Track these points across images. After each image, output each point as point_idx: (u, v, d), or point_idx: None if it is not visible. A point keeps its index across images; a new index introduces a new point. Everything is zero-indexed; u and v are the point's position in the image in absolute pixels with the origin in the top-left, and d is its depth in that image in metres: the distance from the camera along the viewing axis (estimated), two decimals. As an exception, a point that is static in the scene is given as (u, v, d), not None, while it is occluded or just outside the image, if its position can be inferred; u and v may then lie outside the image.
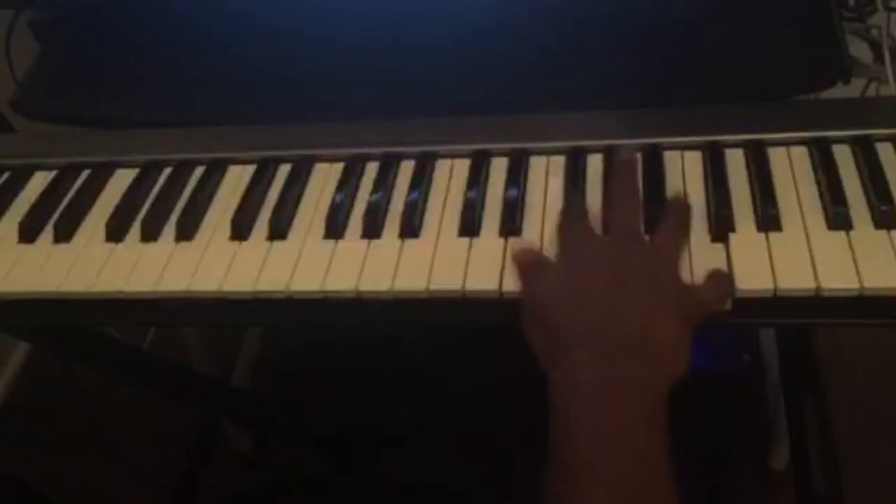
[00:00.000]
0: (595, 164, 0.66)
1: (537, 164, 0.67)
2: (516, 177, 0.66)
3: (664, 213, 0.58)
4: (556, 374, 0.50)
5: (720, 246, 0.59)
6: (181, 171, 0.72)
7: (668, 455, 0.47)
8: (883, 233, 0.58)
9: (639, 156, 0.64)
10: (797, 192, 0.61)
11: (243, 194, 0.69)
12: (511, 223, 0.62)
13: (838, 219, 0.58)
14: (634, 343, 0.50)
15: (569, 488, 0.47)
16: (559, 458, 0.48)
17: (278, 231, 0.66)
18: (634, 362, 0.49)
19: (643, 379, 0.49)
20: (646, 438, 0.47)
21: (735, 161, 0.64)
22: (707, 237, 0.60)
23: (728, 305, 0.55)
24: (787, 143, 0.65)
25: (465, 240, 0.62)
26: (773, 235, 0.58)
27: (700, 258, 0.58)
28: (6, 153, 0.77)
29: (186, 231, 0.67)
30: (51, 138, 0.80)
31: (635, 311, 0.51)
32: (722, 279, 0.56)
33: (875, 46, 0.76)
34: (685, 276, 0.56)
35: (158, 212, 0.69)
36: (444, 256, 0.61)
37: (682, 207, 0.59)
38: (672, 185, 0.63)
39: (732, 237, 0.59)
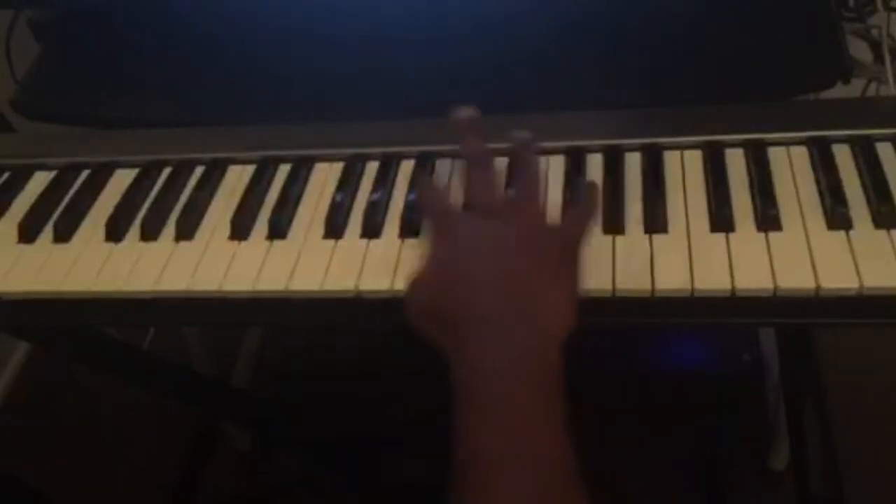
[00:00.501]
0: (595, 163, 0.66)
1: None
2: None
3: (517, 171, 0.59)
4: (459, 365, 0.50)
5: (720, 245, 0.58)
6: (181, 171, 0.72)
7: (565, 421, 0.47)
8: (883, 233, 0.58)
9: (475, 115, 0.60)
10: (797, 192, 0.61)
11: (243, 194, 0.69)
12: (511, 223, 0.62)
13: (838, 219, 0.58)
14: (524, 311, 0.50)
15: (474, 477, 0.46)
16: (463, 455, 0.47)
17: (278, 231, 0.66)
18: (530, 332, 0.49)
19: (539, 346, 0.49)
20: (545, 411, 0.47)
21: (735, 161, 0.64)
22: (707, 237, 0.60)
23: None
24: (787, 143, 0.65)
25: (465, 240, 0.62)
26: (772, 235, 0.58)
27: (700, 258, 0.58)
28: (6, 153, 0.77)
29: (186, 231, 0.67)
30: (51, 138, 0.80)
31: (516, 280, 0.51)
32: (581, 206, 0.57)
33: (875, 46, 0.76)
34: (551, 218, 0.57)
35: (158, 212, 0.69)
36: (444, 256, 0.61)
37: (530, 159, 0.59)
38: (672, 185, 0.63)
39: (732, 237, 0.59)
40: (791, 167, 0.63)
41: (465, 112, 0.59)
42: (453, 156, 0.69)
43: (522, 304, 0.50)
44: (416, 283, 0.54)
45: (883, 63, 0.73)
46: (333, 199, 0.67)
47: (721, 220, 0.60)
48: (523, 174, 0.58)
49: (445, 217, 0.56)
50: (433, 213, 0.57)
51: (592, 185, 0.61)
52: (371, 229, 0.64)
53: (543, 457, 0.46)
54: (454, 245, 0.54)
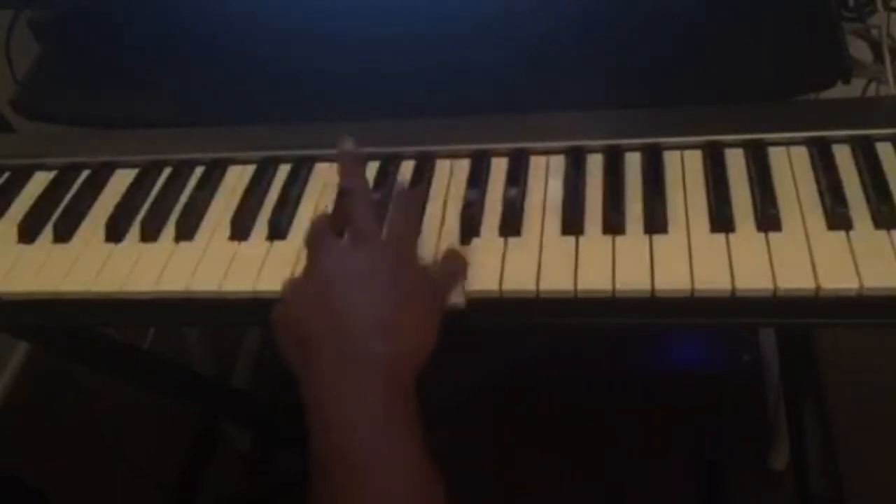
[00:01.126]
0: (595, 163, 0.66)
1: (537, 164, 0.67)
2: (516, 177, 0.66)
3: (391, 208, 0.61)
4: (305, 380, 0.53)
5: (720, 245, 0.58)
6: (181, 171, 0.72)
7: (414, 443, 0.50)
8: (883, 233, 0.58)
9: (357, 149, 0.63)
10: (797, 192, 0.61)
11: (243, 194, 0.69)
12: (511, 223, 0.62)
13: (838, 219, 0.58)
14: (371, 334, 0.52)
15: (323, 486, 0.49)
16: (318, 466, 0.49)
17: (278, 231, 0.65)
18: (373, 354, 0.52)
19: (392, 367, 0.52)
20: (386, 429, 0.50)
21: (735, 161, 0.64)
22: (707, 237, 0.60)
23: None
24: (787, 143, 0.65)
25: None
26: (773, 235, 0.58)
27: (700, 258, 0.58)
28: (6, 153, 0.77)
29: (186, 231, 0.67)
30: (51, 138, 0.80)
31: (372, 305, 0.53)
32: (454, 268, 0.59)
33: (875, 46, 0.76)
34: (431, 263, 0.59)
35: (158, 212, 0.69)
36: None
37: (405, 199, 0.62)
38: (672, 185, 0.63)
39: (732, 237, 0.59)
40: (791, 167, 0.63)
41: (349, 145, 0.62)
42: (452, 156, 0.69)
43: (380, 327, 0.53)
44: (285, 301, 0.57)
45: (883, 63, 0.73)
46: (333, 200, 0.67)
47: (721, 220, 0.60)
48: (396, 214, 0.61)
49: (325, 238, 0.58)
50: (315, 231, 0.59)
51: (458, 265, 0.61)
52: (371, 229, 0.64)
53: (394, 470, 0.49)
54: (323, 267, 0.57)
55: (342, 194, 0.63)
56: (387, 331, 0.53)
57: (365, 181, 0.62)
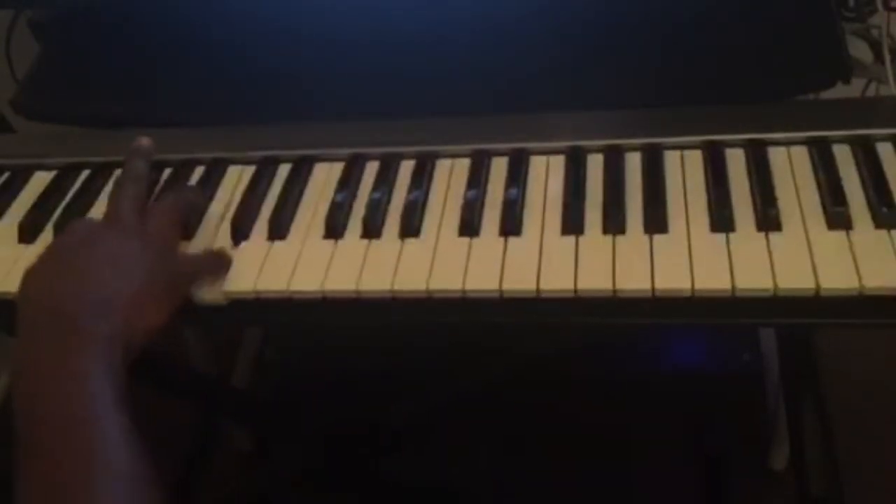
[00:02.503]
0: (595, 163, 0.66)
1: (537, 164, 0.67)
2: (516, 177, 0.66)
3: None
4: (16, 357, 0.52)
5: (720, 245, 0.59)
6: (181, 171, 0.72)
7: (122, 423, 0.51)
8: (883, 233, 0.58)
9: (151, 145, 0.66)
10: (797, 192, 0.61)
11: (243, 194, 0.69)
12: (511, 223, 0.62)
13: (838, 219, 0.58)
14: (87, 311, 0.53)
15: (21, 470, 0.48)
16: (21, 443, 0.49)
17: (278, 231, 0.65)
18: (85, 331, 0.52)
19: (94, 345, 0.52)
20: (94, 408, 0.50)
21: (735, 161, 0.64)
22: (707, 237, 0.60)
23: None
24: (787, 143, 0.65)
25: (465, 240, 0.62)
26: (773, 235, 0.58)
27: (700, 258, 0.58)
28: (6, 153, 0.77)
29: (186, 231, 0.67)
30: (51, 138, 0.80)
31: (95, 283, 0.54)
32: (210, 265, 0.62)
33: (875, 46, 0.76)
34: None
35: (158, 212, 0.69)
36: (444, 256, 0.61)
37: (177, 195, 0.65)
38: (672, 184, 0.63)
39: (732, 237, 0.59)
40: (791, 167, 0.63)
41: (146, 140, 0.66)
42: (453, 156, 0.69)
43: (99, 306, 0.53)
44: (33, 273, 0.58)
45: (883, 63, 0.73)
46: (333, 199, 0.67)
47: (721, 220, 0.60)
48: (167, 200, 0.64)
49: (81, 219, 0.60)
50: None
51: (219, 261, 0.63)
52: (371, 229, 0.64)
53: (91, 450, 0.49)
54: (60, 244, 0.58)
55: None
56: (105, 310, 0.53)
57: (142, 173, 0.64)
